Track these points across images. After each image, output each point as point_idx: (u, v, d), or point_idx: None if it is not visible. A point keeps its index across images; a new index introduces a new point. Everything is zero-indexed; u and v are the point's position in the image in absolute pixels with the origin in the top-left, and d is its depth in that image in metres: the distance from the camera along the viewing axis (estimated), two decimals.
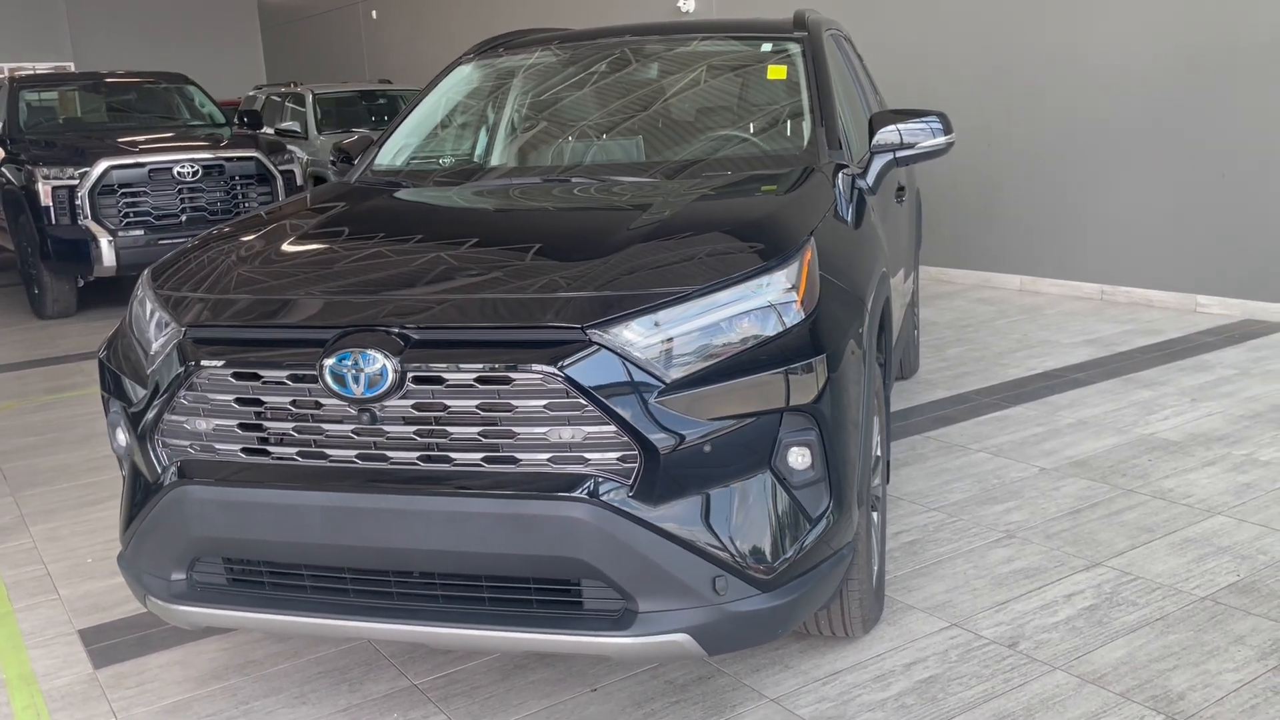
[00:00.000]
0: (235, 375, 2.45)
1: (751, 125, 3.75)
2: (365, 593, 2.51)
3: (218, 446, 2.52)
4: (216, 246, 2.99)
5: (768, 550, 2.39)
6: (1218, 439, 4.57)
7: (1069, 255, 7.73)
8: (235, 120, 10.29)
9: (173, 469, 2.57)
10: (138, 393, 2.66)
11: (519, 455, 2.33)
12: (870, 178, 3.54)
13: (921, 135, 3.57)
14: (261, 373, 2.43)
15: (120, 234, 8.43)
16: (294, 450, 2.45)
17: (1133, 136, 7.20)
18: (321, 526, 2.42)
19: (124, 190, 8.47)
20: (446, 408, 2.34)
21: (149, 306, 2.75)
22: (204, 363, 2.47)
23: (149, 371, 2.62)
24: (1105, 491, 4.06)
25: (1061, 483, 4.17)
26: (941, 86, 8.15)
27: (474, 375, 2.31)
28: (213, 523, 2.51)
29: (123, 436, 2.79)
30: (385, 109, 12.39)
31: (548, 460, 2.32)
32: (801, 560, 2.44)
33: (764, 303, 2.43)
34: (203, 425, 2.52)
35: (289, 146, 9.76)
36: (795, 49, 3.90)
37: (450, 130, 4.14)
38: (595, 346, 2.29)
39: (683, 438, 2.30)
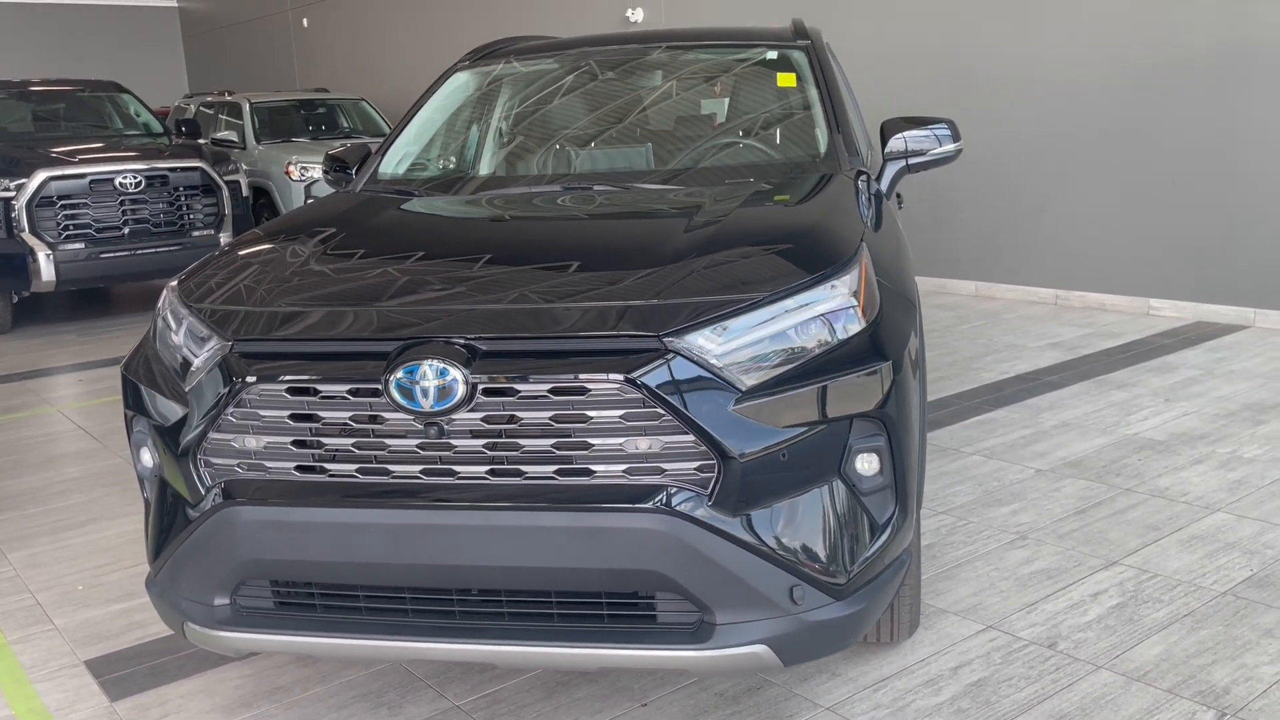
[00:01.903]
0: (290, 390, 2.36)
1: (767, 133, 3.75)
2: (426, 612, 2.43)
3: (269, 465, 2.42)
4: (244, 259, 2.88)
5: (842, 558, 2.38)
6: (1199, 437, 4.70)
7: (1023, 261, 7.90)
8: (175, 129, 9.99)
9: (217, 489, 2.46)
10: (172, 410, 2.54)
11: (594, 467, 2.28)
12: (884, 184, 3.57)
13: (934, 142, 3.61)
14: (320, 387, 2.34)
15: (60, 248, 8.14)
16: (353, 467, 2.37)
17: (1085, 145, 7.39)
18: (384, 545, 2.33)
19: (63, 202, 8.18)
20: (518, 420, 2.28)
21: (183, 320, 2.63)
22: (255, 378, 2.37)
23: (188, 388, 2.51)
24: (1105, 491, 4.14)
25: (1060, 484, 4.24)
26: (895, 95, 8.27)
27: (548, 386, 2.25)
28: (264, 544, 2.40)
29: (149, 456, 2.67)
30: (324, 118, 12.15)
31: (624, 471, 2.27)
32: (870, 567, 2.44)
33: (830, 308, 2.42)
34: (252, 443, 2.42)
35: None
36: (801, 57, 3.91)
37: (454, 138, 4.06)
38: (672, 354, 2.25)
39: (760, 446, 2.27)
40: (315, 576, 2.44)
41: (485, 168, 3.95)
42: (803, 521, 2.34)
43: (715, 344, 2.30)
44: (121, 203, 8.38)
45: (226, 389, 2.40)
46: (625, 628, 2.36)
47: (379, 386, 2.29)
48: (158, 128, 10.07)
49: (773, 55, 3.95)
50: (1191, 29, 6.76)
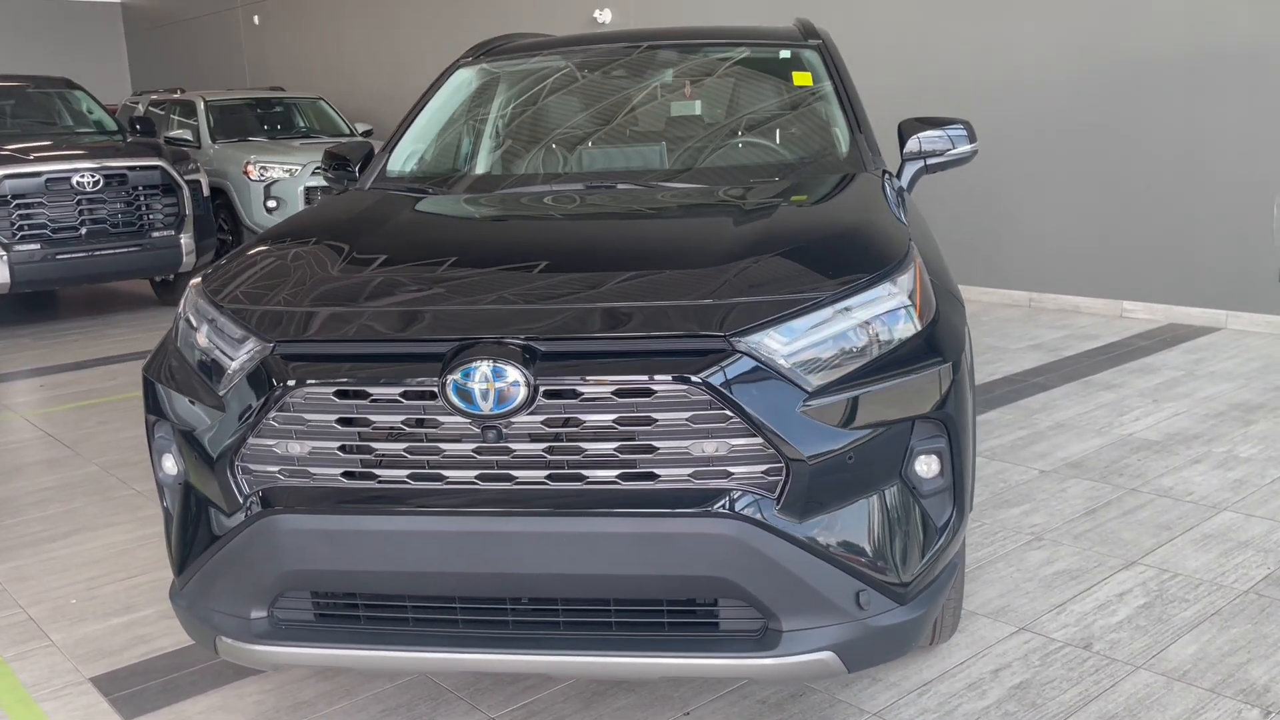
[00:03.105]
0: (339, 394, 2.26)
1: (788, 132, 3.71)
2: (478, 622, 2.35)
3: (313, 471, 2.31)
4: (270, 258, 2.77)
5: (905, 562, 2.34)
6: (1193, 437, 4.75)
7: (997, 264, 7.97)
8: (129, 127, 9.70)
9: (255, 497, 2.35)
10: (204, 415, 2.43)
11: (658, 471, 2.21)
12: (904, 183, 3.55)
13: (951, 143, 3.60)
14: (371, 390, 2.24)
15: (14, 249, 7.87)
16: (405, 473, 2.27)
17: (1058, 148, 7.48)
18: (438, 553, 2.25)
19: (18, 201, 7.90)
20: (581, 423, 2.21)
21: (213, 320, 2.52)
22: (301, 381, 2.26)
23: (223, 392, 2.40)
24: (1110, 491, 4.16)
25: (1065, 484, 4.25)
26: (869, 98, 8.28)
27: (612, 388, 2.18)
28: (308, 554, 2.30)
29: (173, 464, 2.55)
30: (280, 117, 11.90)
31: (689, 475, 2.21)
32: (929, 570, 2.40)
33: (890, 308, 2.39)
34: (296, 449, 2.32)
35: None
36: (814, 56, 3.88)
37: (464, 135, 3.96)
38: (739, 355, 2.20)
39: (827, 448, 2.23)
40: (362, 587, 2.34)
41: (501, 166, 3.85)
42: (869, 525, 2.30)
43: (782, 344, 2.25)
44: (79, 202, 8.12)
45: (268, 392, 2.29)
46: (688, 636, 2.30)
47: (434, 389, 2.21)
48: (111, 125, 9.78)
49: (786, 54, 3.92)
50: (1164, 34, 6.87)
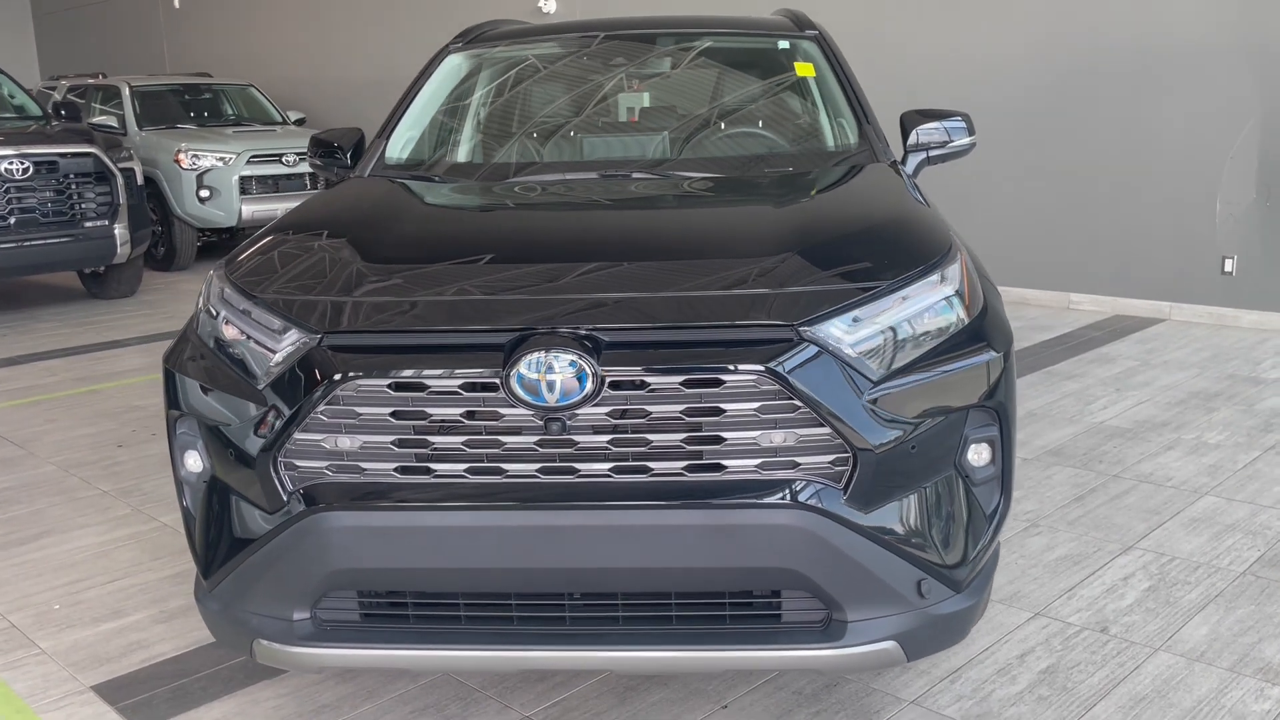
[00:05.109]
0: (394, 386, 2.18)
1: (798, 121, 3.70)
2: (534, 619, 2.29)
3: (364, 466, 2.23)
4: (295, 246, 2.66)
5: (961, 550, 2.35)
6: (1161, 425, 4.88)
7: None
8: (54, 113, 9.29)
9: (298, 494, 2.26)
10: (237, 410, 2.33)
11: (725, 462, 2.18)
12: (910, 173, 3.57)
13: (950, 136, 3.64)
14: (429, 382, 2.17)
15: None
16: (463, 467, 2.20)
17: (1009, 144, 7.62)
18: (498, 548, 2.19)
19: None
20: (647, 414, 2.16)
21: (247, 311, 2.41)
22: (354, 373, 2.18)
23: (262, 385, 2.30)
24: (1094, 478, 4.25)
25: (1050, 471, 4.33)
26: None
27: (680, 378, 2.15)
28: (359, 552, 2.22)
29: (198, 460, 2.45)
30: (209, 104, 11.54)
31: (757, 466, 2.18)
32: (981, 557, 2.42)
33: (943, 297, 2.40)
34: (346, 443, 2.23)
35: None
36: (813, 47, 3.88)
37: (462, 122, 3.86)
38: (807, 344, 2.18)
39: (891, 438, 2.22)
40: (415, 585, 2.27)
41: (513, 154, 3.73)
42: (928, 514, 2.30)
43: (846, 333, 2.23)
44: (7, 191, 7.75)
45: (316, 385, 2.20)
46: (752, 628, 2.27)
47: (496, 381, 2.14)
48: (35, 110, 9.36)
49: (785, 45, 3.91)
50: (1111, 33, 7.05)
